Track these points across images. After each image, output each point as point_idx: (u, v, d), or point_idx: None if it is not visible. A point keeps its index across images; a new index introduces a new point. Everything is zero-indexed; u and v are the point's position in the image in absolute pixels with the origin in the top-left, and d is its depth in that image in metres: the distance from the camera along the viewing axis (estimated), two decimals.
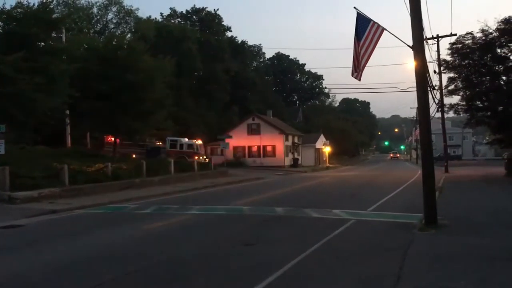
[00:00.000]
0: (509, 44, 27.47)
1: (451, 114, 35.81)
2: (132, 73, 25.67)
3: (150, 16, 58.93)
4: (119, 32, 49.18)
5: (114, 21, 51.28)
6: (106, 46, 28.14)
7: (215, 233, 11.11)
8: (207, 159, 41.83)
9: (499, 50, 28.21)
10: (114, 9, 50.18)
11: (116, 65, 25.61)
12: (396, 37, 11.71)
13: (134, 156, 35.81)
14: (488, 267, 7.24)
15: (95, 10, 49.45)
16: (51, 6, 24.75)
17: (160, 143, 42.14)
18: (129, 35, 47.18)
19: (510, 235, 9.85)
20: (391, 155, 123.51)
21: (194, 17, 69.70)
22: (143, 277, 7.23)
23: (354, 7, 11.43)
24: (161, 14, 69.11)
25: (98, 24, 50.71)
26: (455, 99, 32.14)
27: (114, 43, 29.57)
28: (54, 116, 23.38)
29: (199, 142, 44.04)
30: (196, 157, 39.75)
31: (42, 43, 23.46)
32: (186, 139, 42.78)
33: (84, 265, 7.98)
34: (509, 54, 28.02)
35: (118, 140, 38.95)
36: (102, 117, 26.09)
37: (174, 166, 29.16)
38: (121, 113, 26.13)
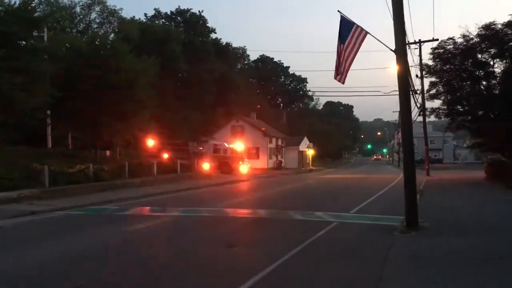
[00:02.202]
0: (489, 50, 27.92)
1: (432, 118, 36.26)
2: (115, 74, 25.45)
3: (134, 17, 58.38)
4: (102, 32, 48.67)
5: (97, 20, 50.72)
6: (89, 46, 27.85)
7: (196, 235, 11.04)
8: (247, 166, 41.91)
9: (479, 56, 28.65)
10: (97, 8, 49.59)
11: (99, 65, 25.34)
12: (379, 41, 11.81)
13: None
14: (468, 269, 7.33)
15: (78, 9, 48.82)
16: (33, 5, 24.38)
17: (201, 148, 41.56)
18: (112, 35, 46.72)
19: (490, 237, 9.99)
20: (374, 157, 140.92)
21: (178, 18, 69.36)
22: (122, 279, 7.14)
23: (338, 11, 11.50)
24: (145, 14, 68.63)
25: (81, 24, 50.08)
26: (437, 103, 32.59)
27: (97, 43, 29.29)
28: (35, 116, 23.01)
29: (241, 147, 43.47)
30: (240, 163, 40.36)
31: (23, 42, 23.10)
32: (227, 144, 42.45)
33: (63, 266, 7.86)
34: (489, 59, 28.47)
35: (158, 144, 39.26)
36: (84, 118, 25.81)
37: (157, 168, 28.95)
38: (104, 113, 25.88)
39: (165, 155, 37.27)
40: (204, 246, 9.52)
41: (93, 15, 50.12)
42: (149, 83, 29.16)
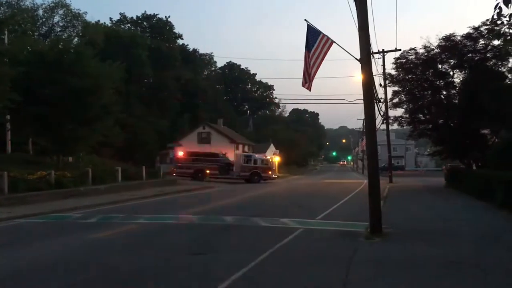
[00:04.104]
0: (449, 60, 28.91)
1: (395, 126, 37.19)
2: (79, 78, 24.90)
3: (99, 21, 57.42)
4: (65, 35, 47.56)
5: (61, 24, 49.43)
6: (51, 49, 27.18)
7: (163, 243, 10.91)
8: (276, 176, 44.59)
9: (440, 66, 29.62)
10: (60, 12, 48.35)
11: (62, 69, 24.75)
12: (345, 50, 12.07)
13: (208, 171, 39.74)
14: (430, 274, 7.53)
15: (40, 12, 47.52)
16: None
17: (231, 158, 43.93)
18: (76, 39, 45.74)
19: (449, 242, 10.30)
20: (340, 163, 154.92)
21: (144, 23, 68.69)
22: None
23: (305, 20, 11.69)
24: (111, 19, 67.67)
25: (44, 27, 48.78)
26: (399, 111, 33.46)
27: (60, 46, 28.63)
28: None
29: (268, 157, 45.50)
30: (270, 172, 43.38)
31: None
32: (257, 155, 44.47)
33: (24, 276, 7.62)
34: (449, 70, 29.48)
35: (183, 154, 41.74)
36: (46, 123, 25.13)
37: (122, 174, 28.47)
38: (66, 119, 25.28)
39: (196, 166, 39.70)
40: (170, 254, 9.41)
41: (56, 18, 48.91)
42: (114, 89, 28.68)
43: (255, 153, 46.01)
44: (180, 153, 42.81)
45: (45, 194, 20.46)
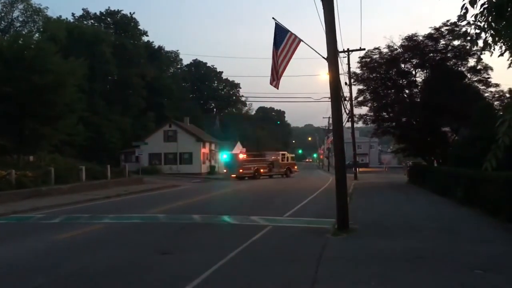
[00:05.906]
0: (411, 60, 29.59)
1: (360, 124, 37.74)
2: (40, 75, 24.21)
3: (60, 16, 55.94)
4: (26, 31, 46.08)
5: (21, 19, 47.91)
6: (11, 45, 26.33)
7: (129, 243, 10.74)
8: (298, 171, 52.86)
9: (403, 65, 30.28)
10: (20, 6, 46.86)
11: (23, 66, 24.01)
12: (312, 48, 12.19)
13: (262, 171, 45.36)
14: (395, 268, 7.70)
15: None
16: None
17: (273, 157, 48.87)
18: (37, 35, 44.43)
19: (413, 237, 10.55)
20: (307, 160, 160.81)
21: (108, 19, 67.29)
22: None
23: (273, 18, 11.73)
24: (73, 14, 65.88)
25: (2, 22, 47.19)
26: (364, 110, 33.99)
27: (20, 42, 27.76)
28: None
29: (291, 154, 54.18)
30: (295, 167, 51.82)
31: None
32: (287, 154, 52.16)
33: None
34: (412, 69, 30.18)
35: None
36: (6, 121, 24.33)
37: (86, 173, 27.85)
38: (27, 117, 24.55)
39: (254, 166, 44.82)
40: (137, 254, 9.29)
41: (16, 13, 47.38)
42: (77, 86, 28.05)
43: (284, 152, 52.85)
44: (241, 156, 47.24)
45: (5, 194, 19.82)
